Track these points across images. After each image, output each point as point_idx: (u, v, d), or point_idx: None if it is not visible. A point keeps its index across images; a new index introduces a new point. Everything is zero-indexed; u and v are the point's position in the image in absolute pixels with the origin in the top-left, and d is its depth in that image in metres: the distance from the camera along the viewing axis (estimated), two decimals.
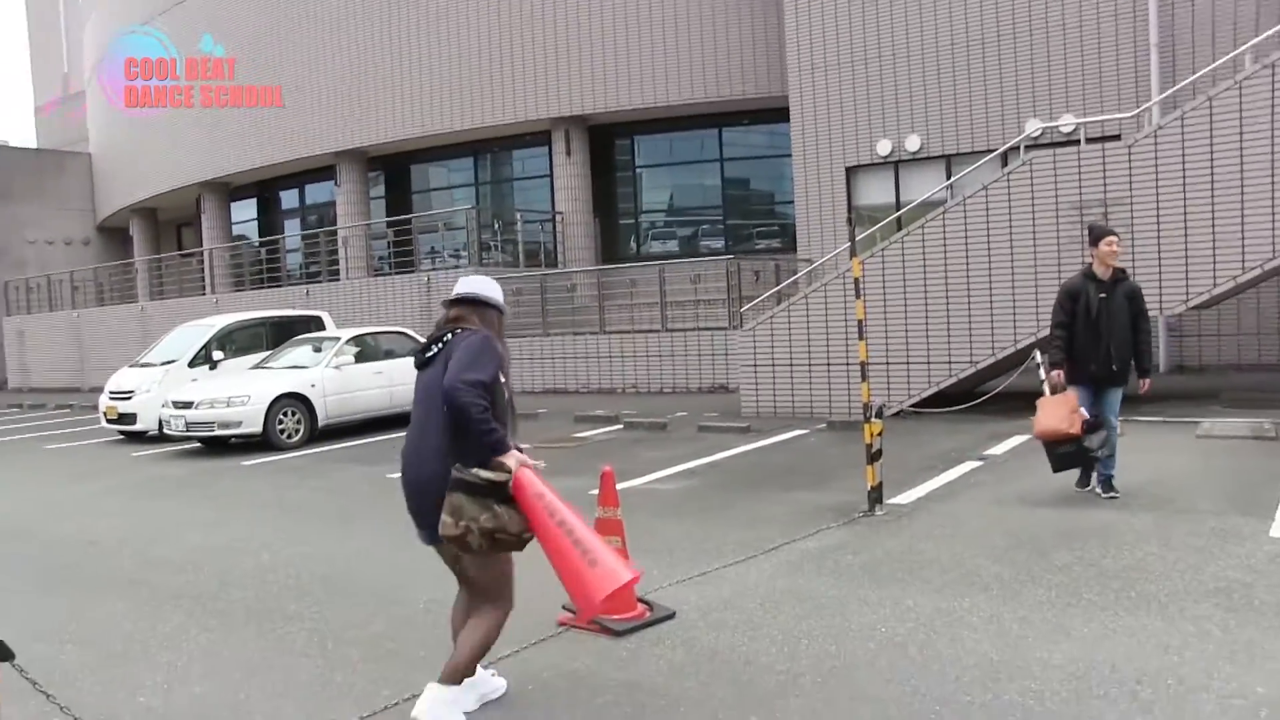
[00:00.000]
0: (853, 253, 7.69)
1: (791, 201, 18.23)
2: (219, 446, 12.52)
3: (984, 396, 10.04)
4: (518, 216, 22.03)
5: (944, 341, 11.26)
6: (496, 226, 22.20)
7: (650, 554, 5.85)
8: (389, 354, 13.95)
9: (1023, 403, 8.29)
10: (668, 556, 6.04)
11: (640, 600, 4.96)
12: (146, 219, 31.55)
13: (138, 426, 13.99)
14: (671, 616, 4.91)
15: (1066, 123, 13.86)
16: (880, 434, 6.99)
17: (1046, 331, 7.69)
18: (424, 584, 5.53)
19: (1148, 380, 7.14)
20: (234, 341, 15.33)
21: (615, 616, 4.74)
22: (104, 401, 14.56)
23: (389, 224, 22.69)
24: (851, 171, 16.79)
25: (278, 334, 15.51)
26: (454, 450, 3.64)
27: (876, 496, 6.96)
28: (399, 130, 22.55)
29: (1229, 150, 9.85)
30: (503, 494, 3.58)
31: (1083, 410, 6.79)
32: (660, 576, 5.53)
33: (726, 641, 4.57)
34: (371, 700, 4.11)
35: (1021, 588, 5.09)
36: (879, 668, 4.16)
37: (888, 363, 11.43)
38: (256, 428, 12.18)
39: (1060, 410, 6.80)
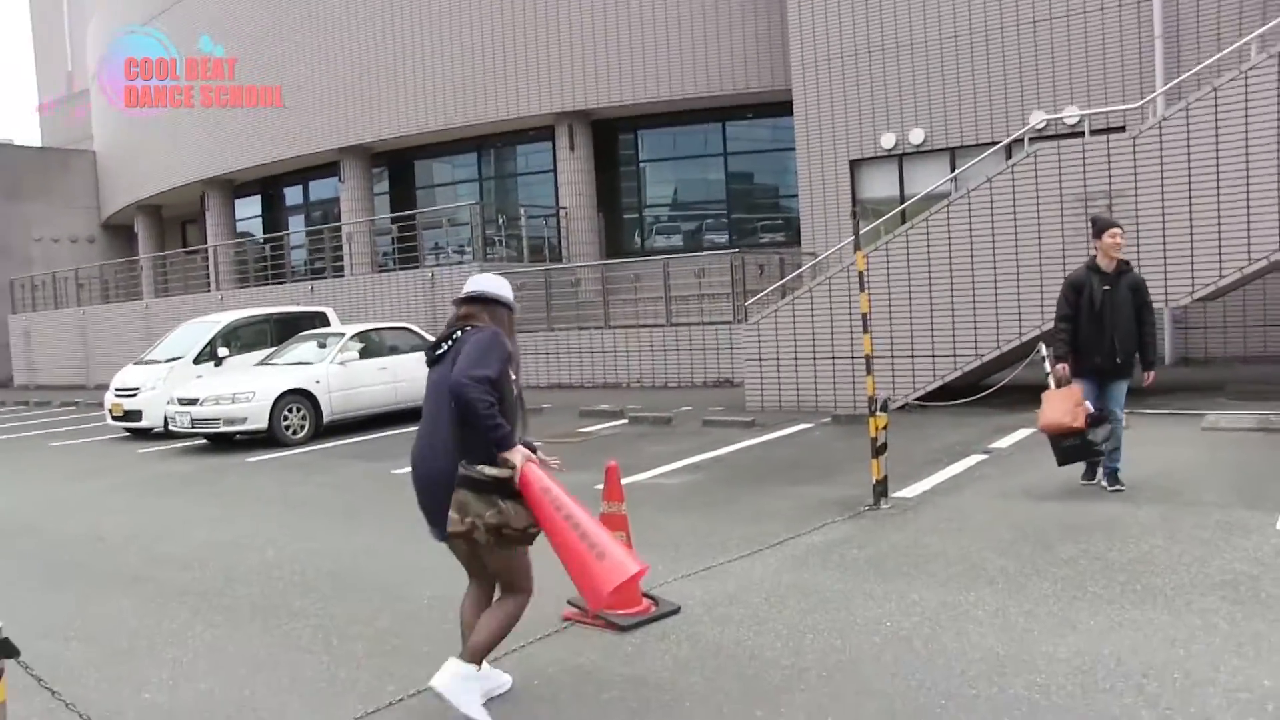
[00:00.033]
0: (857, 246, 7.68)
1: (795, 195, 18.21)
2: (224, 443, 12.54)
3: (989, 390, 10.03)
4: (522, 212, 22.03)
5: (949, 335, 11.24)
6: (500, 222, 22.18)
7: (655, 549, 5.84)
8: (394, 350, 13.98)
9: (1028, 396, 8.27)
10: (672, 551, 6.04)
11: (645, 595, 4.96)
12: (151, 216, 31.58)
13: (143, 423, 14.03)
14: (676, 611, 4.91)
15: (1071, 114, 13.81)
16: (885, 428, 6.98)
17: (1051, 324, 7.67)
18: (429, 580, 5.54)
19: (1152, 372, 7.13)
20: (239, 338, 15.36)
21: (620, 611, 4.74)
22: (109, 398, 14.60)
23: (393, 220, 22.68)
24: (855, 165, 16.76)
25: (282, 330, 15.52)
26: (461, 446, 3.66)
27: (882, 490, 6.95)
28: (403, 126, 22.54)
29: (1234, 141, 9.80)
30: (508, 490, 3.61)
31: (1087, 404, 6.78)
32: (665, 571, 5.54)
33: (731, 636, 4.57)
34: (376, 696, 4.11)
35: (1027, 581, 5.09)
36: (884, 662, 4.16)
37: (892, 356, 11.41)
38: (261, 424, 12.19)
39: (1064, 404, 6.79)
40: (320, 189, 26.99)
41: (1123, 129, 11.50)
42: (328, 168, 24.94)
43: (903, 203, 14.84)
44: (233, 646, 4.88)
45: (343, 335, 13.85)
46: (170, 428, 12.90)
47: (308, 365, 13.16)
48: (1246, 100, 9.74)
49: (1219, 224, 9.88)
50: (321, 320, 16.15)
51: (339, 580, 5.97)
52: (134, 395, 14.20)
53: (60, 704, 3.39)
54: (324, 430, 12.77)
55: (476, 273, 4.47)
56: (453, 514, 3.64)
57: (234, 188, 28.01)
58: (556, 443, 10.66)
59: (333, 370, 13.01)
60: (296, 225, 27.85)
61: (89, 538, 7.70)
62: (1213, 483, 7.08)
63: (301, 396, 12.61)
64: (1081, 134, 11.01)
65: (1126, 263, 7.07)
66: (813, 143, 16.94)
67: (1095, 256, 7.02)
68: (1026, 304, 10.76)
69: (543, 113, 20.94)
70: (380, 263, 22.71)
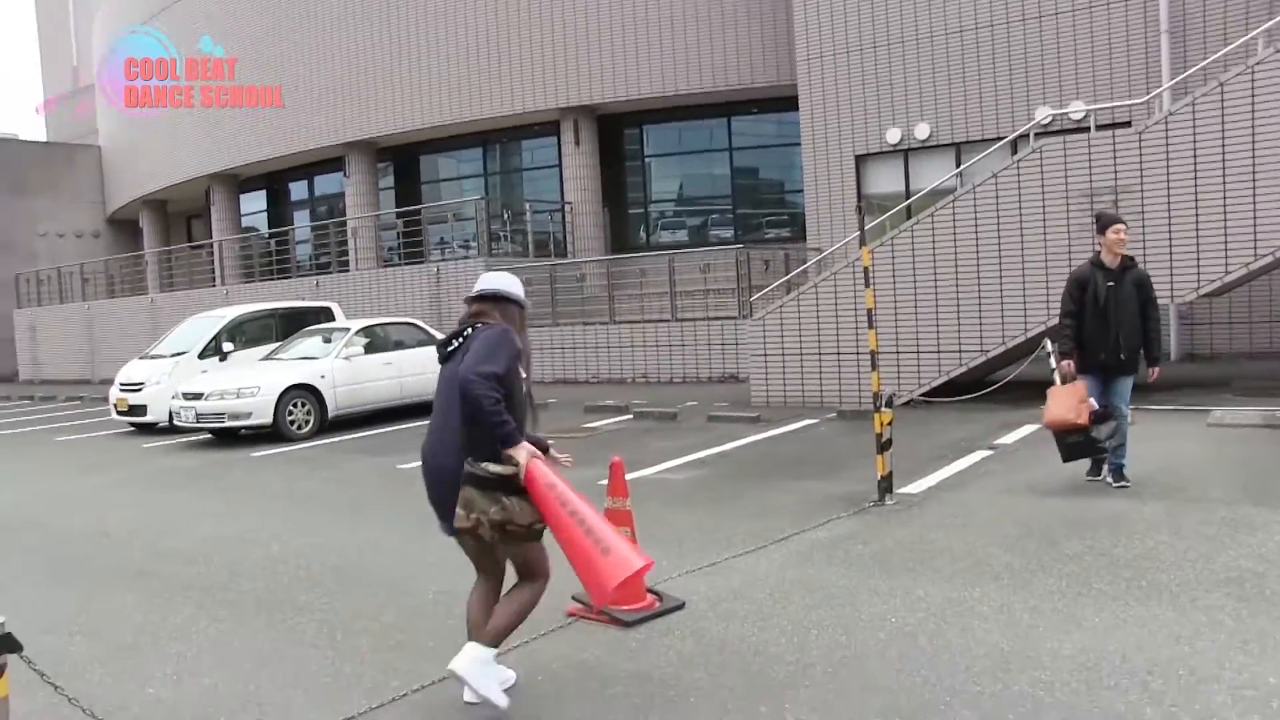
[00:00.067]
0: (862, 241, 7.67)
1: (801, 190, 18.18)
2: (229, 438, 12.57)
3: (994, 385, 10.00)
4: (527, 207, 22.01)
5: (954, 330, 11.22)
6: (506, 217, 22.20)
7: (660, 544, 5.84)
8: (399, 345, 13.98)
9: (1033, 392, 8.25)
10: (677, 547, 6.03)
11: (650, 591, 4.96)
12: (156, 211, 31.62)
13: (148, 418, 14.04)
14: (681, 607, 4.91)
15: (1076, 109, 13.77)
16: (890, 423, 6.98)
17: (1057, 320, 7.66)
18: (434, 575, 5.55)
19: (1157, 368, 7.11)
20: (244, 333, 15.38)
21: (625, 607, 4.74)
22: (114, 393, 14.62)
23: (398, 215, 22.69)
24: (861, 160, 16.72)
25: (287, 325, 15.54)
26: (469, 442, 3.68)
27: (887, 486, 6.95)
28: (408, 121, 22.54)
29: (1241, 136, 9.76)
30: (512, 487, 3.62)
31: (1091, 400, 6.77)
32: (670, 567, 5.53)
33: (736, 632, 4.57)
34: (381, 691, 4.11)
35: (1032, 577, 5.08)
36: (889, 658, 4.15)
37: (898, 352, 11.40)
38: (267, 419, 12.21)
39: (1069, 400, 6.78)
40: (325, 184, 27.02)
41: (1129, 124, 11.45)
42: (333, 163, 24.96)
43: (908, 198, 14.81)
44: (237, 641, 4.89)
45: (348, 330, 13.87)
46: (175, 422, 12.93)
47: (313, 360, 13.17)
48: (1253, 95, 9.70)
49: (1225, 219, 9.84)
50: (326, 315, 16.17)
51: (344, 575, 5.97)
52: (139, 390, 14.22)
53: (63, 699, 3.40)
54: (329, 425, 12.79)
55: (482, 268, 4.48)
56: (459, 510, 3.68)
57: (239, 183, 28.04)
58: (562, 438, 10.66)
59: (338, 365, 13.02)
60: (302, 220, 27.88)
61: (93, 532, 7.71)
62: (1218, 479, 7.06)
63: (306, 391, 12.63)
64: (1087, 129, 10.97)
65: (1131, 259, 7.05)
66: (818, 138, 16.92)
67: (1100, 252, 7.00)
68: (1032, 300, 10.74)
69: (548, 108, 20.92)
70: (385, 258, 22.72)
